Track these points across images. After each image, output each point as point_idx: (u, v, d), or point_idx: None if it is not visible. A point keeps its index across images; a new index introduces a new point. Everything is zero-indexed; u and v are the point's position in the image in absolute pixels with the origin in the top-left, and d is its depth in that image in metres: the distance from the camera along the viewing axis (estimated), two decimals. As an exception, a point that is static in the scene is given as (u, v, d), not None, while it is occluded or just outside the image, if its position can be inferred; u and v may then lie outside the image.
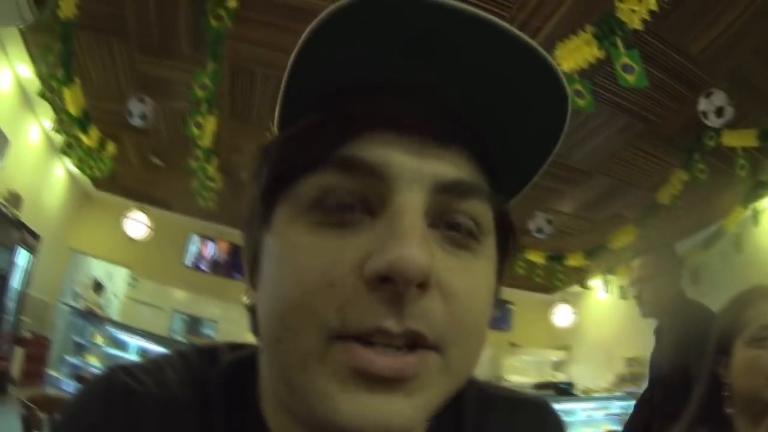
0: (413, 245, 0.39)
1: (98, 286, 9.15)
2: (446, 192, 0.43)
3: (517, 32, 0.40)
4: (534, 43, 0.41)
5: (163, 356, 0.60)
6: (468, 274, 0.44)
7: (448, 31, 0.41)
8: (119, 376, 0.55)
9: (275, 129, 0.50)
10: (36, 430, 1.94)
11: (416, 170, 0.42)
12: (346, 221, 0.42)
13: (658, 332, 2.76)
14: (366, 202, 0.43)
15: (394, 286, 0.39)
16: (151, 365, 0.58)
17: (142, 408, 0.53)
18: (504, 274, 0.51)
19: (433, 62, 0.43)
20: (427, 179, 0.43)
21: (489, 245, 0.48)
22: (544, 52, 0.41)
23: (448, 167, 0.44)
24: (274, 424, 0.52)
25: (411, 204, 0.42)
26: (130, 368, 0.57)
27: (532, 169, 0.51)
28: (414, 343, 0.40)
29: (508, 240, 0.51)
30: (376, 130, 0.43)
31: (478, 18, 0.40)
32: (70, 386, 7.04)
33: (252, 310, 0.52)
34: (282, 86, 0.45)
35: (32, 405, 1.90)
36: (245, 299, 0.54)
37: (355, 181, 0.42)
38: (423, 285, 0.39)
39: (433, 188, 0.43)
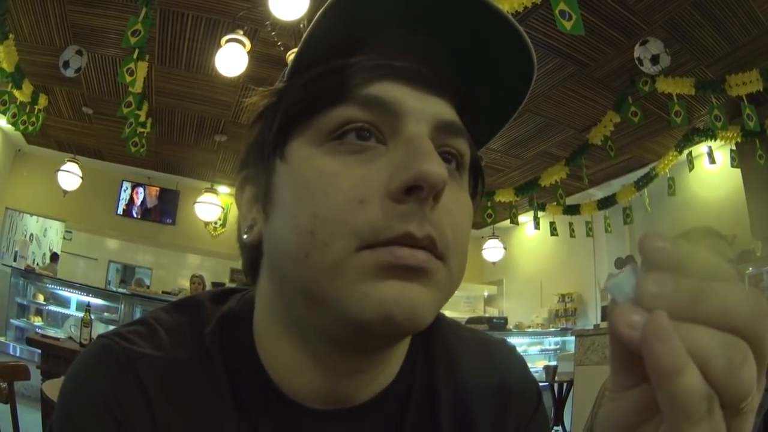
0: (435, 160, 0.47)
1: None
2: (443, 129, 0.53)
3: (498, 8, 0.50)
4: (509, 16, 0.51)
5: (150, 317, 0.62)
6: (458, 198, 0.54)
7: (439, 7, 0.51)
8: (116, 343, 0.57)
9: (285, 78, 0.57)
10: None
11: (421, 109, 0.52)
12: (364, 148, 0.51)
13: None
14: (380, 132, 0.51)
15: (419, 194, 0.47)
16: (142, 329, 0.60)
17: (146, 371, 0.55)
18: (474, 211, 0.59)
19: (427, 30, 0.52)
20: (430, 116, 0.52)
21: (466, 180, 0.58)
22: (517, 24, 0.51)
23: (445, 110, 0.54)
24: (273, 367, 0.58)
25: (423, 132, 0.51)
26: (123, 334, 0.59)
27: (499, 124, 0.61)
28: (428, 250, 0.48)
29: (478, 181, 0.62)
30: (389, 78, 0.52)
31: None
32: (17, 350, 6.81)
33: (247, 247, 0.59)
34: (302, 42, 0.53)
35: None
36: (245, 237, 0.59)
37: (373, 114, 0.51)
38: (437, 197, 0.48)
39: (435, 125, 0.53)
